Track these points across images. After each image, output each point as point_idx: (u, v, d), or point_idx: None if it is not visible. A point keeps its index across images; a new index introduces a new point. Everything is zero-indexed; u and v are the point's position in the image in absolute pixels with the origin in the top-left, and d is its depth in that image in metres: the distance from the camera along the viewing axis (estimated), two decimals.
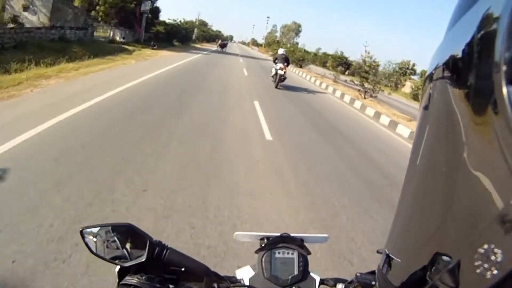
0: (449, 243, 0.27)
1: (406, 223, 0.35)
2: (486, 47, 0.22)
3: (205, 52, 23.92)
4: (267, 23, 59.93)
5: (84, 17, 16.76)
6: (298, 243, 0.70)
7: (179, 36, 31.28)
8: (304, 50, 35.77)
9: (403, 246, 0.36)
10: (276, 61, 11.04)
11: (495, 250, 0.20)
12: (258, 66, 20.93)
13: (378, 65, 31.63)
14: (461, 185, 0.25)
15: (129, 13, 21.90)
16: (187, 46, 29.56)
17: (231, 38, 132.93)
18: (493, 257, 0.20)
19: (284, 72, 10.82)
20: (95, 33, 21.89)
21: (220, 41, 55.15)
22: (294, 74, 20.00)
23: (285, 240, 0.70)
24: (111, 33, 21.94)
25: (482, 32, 0.23)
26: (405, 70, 30.45)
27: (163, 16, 34.73)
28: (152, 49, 19.27)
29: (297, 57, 25.24)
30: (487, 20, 0.23)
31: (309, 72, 21.73)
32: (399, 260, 0.35)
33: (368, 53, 32.54)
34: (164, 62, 11.73)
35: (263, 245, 0.70)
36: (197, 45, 35.98)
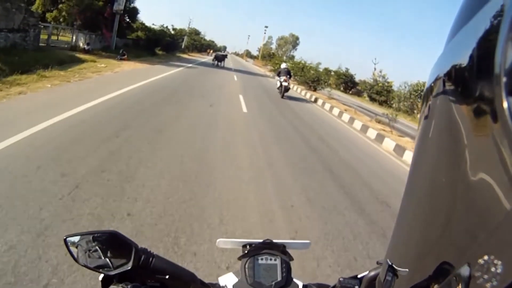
0: (450, 253, 0.27)
1: (408, 234, 0.35)
2: (485, 59, 0.22)
3: (190, 65, 19.23)
4: (265, 33, 55.61)
5: (23, 15, 12.35)
6: (281, 249, 0.70)
7: (163, 44, 27.13)
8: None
9: (405, 256, 0.36)
10: (280, 74, 12.95)
11: (495, 261, 0.20)
12: (261, 89, 14.53)
13: (391, 86, 28.07)
14: (461, 196, 0.25)
15: (96, 13, 17.62)
16: (172, 56, 25.28)
17: (224, 48, 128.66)
18: (493, 269, 0.20)
19: (288, 84, 12.61)
20: (60, 38, 17.71)
21: (212, 51, 49.80)
22: (316, 108, 12.54)
23: (267, 247, 0.70)
24: (74, 38, 17.63)
25: (481, 44, 0.23)
26: (420, 93, 26.68)
27: (148, 22, 30.55)
28: (121, 59, 14.99)
29: (309, 77, 18.81)
30: (487, 31, 0.23)
31: (329, 99, 14.64)
32: (402, 270, 0.35)
33: (380, 71, 28.92)
34: (106, 86, 7.01)
35: (246, 251, 0.69)
36: (185, 55, 31.54)
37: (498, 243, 0.21)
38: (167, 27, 28.90)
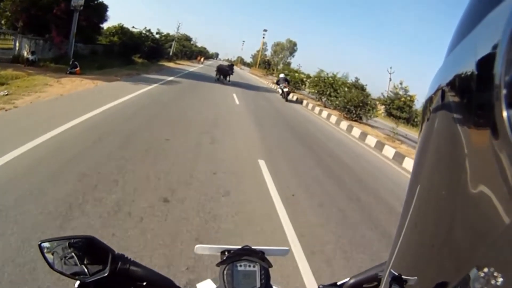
0: (452, 265, 0.27)
1: (410, 244, 0.35)
2: (485, 70, 0.22)
3: (170, 78, 14.51)
4: (263, 37, 50.33)
5: None
6: (260, 256, 0.69)
7: (144, 51, 22.87)
8: (300, 71, 26.16)
9: (408, 267, 0.36)
10: (279, 82, 16.62)
11: (495, 273, 0.20)
12: (292, 132, 8.01)
13: (413, 101, 23.88)
14: (461, 209, 0.25)
15: (45, 11, 13.27)
16: (151, 65, 20.89)
17: (216, 55, 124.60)
18: (493, 281, 0.20)
19: (288, 89, 15.74)
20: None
21: (203, 59, 45.01)
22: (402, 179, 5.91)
23: (246, 253, 0.68)
24: (16, 45, 13.26)
25: (481, 56, 0.23)
26: None
27: (129, 25, 26.06)
28: (70, 73, 10.74)
29: (351, 100, 12.18)
30: (487, 44, 0.23)
31: (391, 140, 9.21)
32: (411, 279, 0.35)
33: (401, 83, 24.81)
34: None
35: (224, 258, 0.68)
36: (170, 64, 26.96)
37: (498, 256, 0.20)
38: (149, 30, 24.61)
